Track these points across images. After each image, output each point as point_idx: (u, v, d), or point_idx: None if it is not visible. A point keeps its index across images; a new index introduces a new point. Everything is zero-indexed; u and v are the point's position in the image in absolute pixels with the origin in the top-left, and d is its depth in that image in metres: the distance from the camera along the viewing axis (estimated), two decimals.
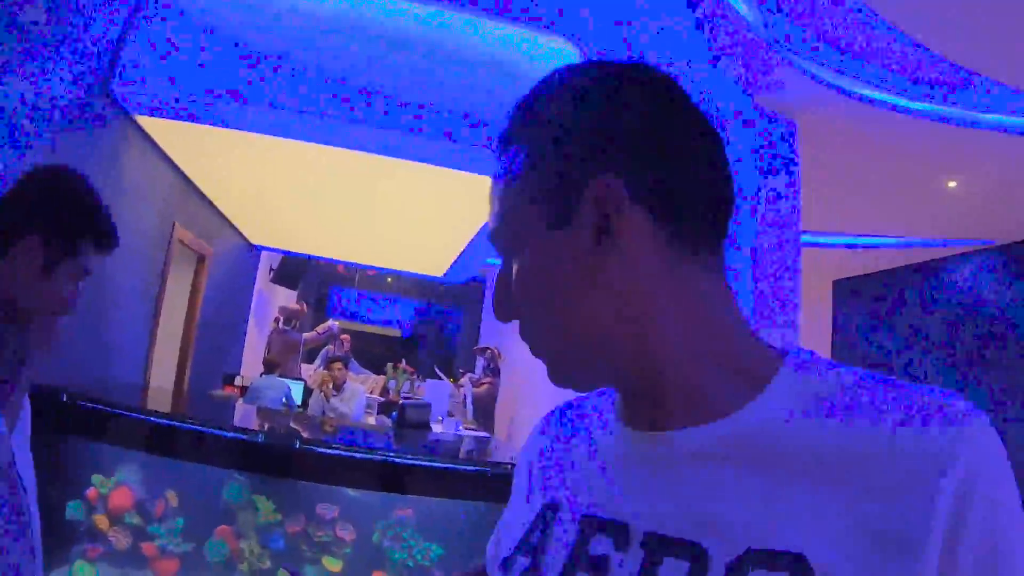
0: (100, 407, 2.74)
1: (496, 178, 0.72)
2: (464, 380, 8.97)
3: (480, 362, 9.95)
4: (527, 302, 0.68)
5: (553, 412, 0.85)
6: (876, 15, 3.51)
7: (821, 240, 7.04)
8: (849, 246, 7.29)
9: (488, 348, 9.22)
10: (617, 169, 0.63)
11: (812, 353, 0.66)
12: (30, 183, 1.35)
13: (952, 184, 5.32)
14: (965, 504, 0.52)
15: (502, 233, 0.71)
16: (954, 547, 0.52)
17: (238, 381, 6.95)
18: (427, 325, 15.85)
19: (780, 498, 0.56)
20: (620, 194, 0.62)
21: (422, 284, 14.06)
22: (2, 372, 1.22)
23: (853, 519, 0.53)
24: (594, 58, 0.72)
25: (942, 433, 0.54)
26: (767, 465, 0.58)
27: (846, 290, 8.72)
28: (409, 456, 3.02)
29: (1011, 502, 0.54)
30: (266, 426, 3.61)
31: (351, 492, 2.96)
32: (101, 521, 2.70)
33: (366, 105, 3.74)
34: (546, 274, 0.66)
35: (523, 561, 0.69)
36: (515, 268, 0.69)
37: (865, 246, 7.26)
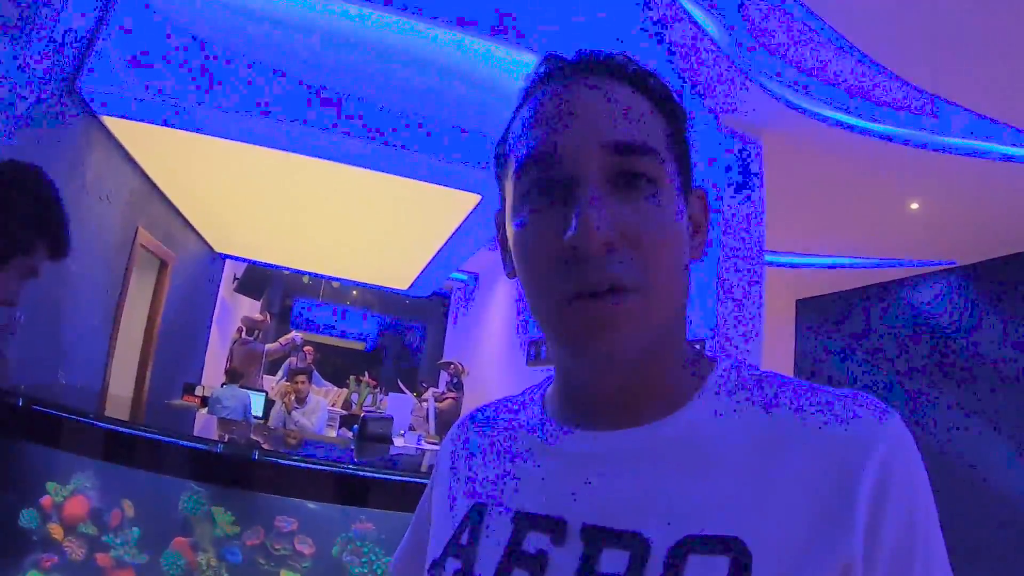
0: (57, 412, 2.67)
1: (643, 100, 0.67)
2: (427, 394, 8.92)
3: (443, 376, 9.91)
4: (659, 245, 0.63)
5: (470, 417, 0.85)
6: (843, 38, 3.57)
7: (785, 259, 7.13)
8: (813, 266, 7.38)
9: (452, 363, 9.19)
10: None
11: (739, 359, 0.71)
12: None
13: (914, 206, 5.41)
14: (886, 485, 0.57)
15: (646, 158, 0.64)
16: (877, 522, 0.56)
17: (198, 391, 6.84)
18: (390, 338, 15.78)
19: (717, 489, 0.59)
20: (709, 209, 0.74)
21: (386, 297, 14.02)
22: None
23: (785, 503, 0.57)
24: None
25: (863, 425, 0.59)
26: (704, 460, 0.61)
27: (809, 309, 8.82)
28: (370, 469, 2.98)
29: (923, 485, 0.60)
30: (226, 437, 3.55)
31: (311, 505, 2.90)
32: (55, 530, 2.62)
33: (336, 113, 3.72)
34: (676, 228, 0.65)
35: (453, 563, 0.69)
36: (652, 203, 0.63)
37: (829, 266, 7.35)
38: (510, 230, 0.69)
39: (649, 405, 0.67)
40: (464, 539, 0.70)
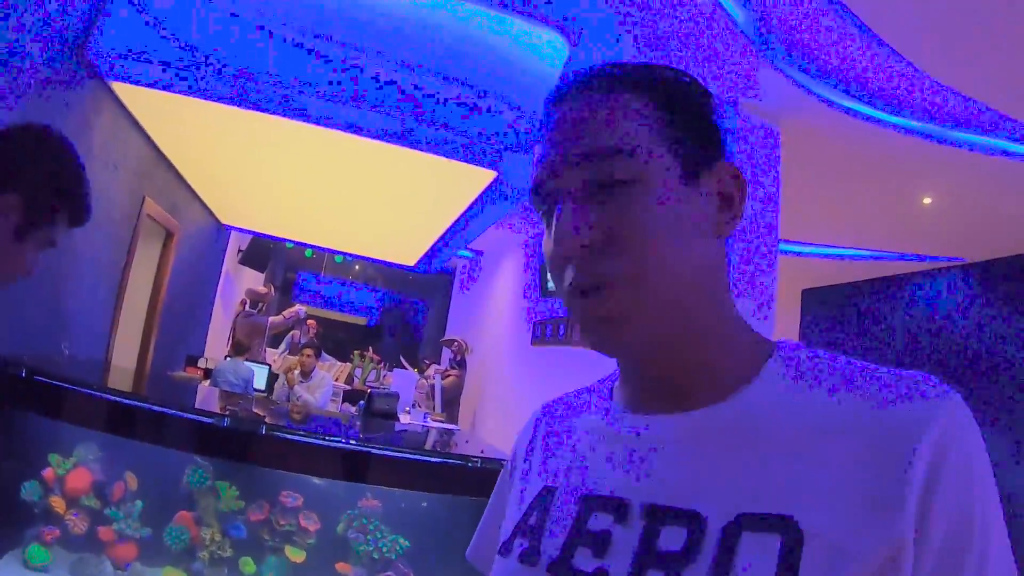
0: (59, 383, 2.63)
1: (621, 104, 0.70)
2: (431, 371, 8.92)
3: (446, 353, 9.91)
4: (639, 240, 0.66)
5: (547, 405, 0.90)
6: (865, 27, 3.51)
7: (793, 248, 7.09)
8: (821, 255, 7.34)
9: (455, 340, 9.19)
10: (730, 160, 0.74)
11: (799, 344, 0.72)
12: (18, 140, 1.29)
13: (927, 200, 5.37)
14: (939, 467, 0.57)
15: (618, 162, 0.68)
16: (928, 506, 0.56)
17: (201, 363, 6.84)
18: (393, 314, 15.80)
19: (771, 469, 0.61)
20: (744, 182, 0.74)
21: (389, 273, 14.04)
22: None
23: (838, 484, 0.58)
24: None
25: (919, 405, 0.60)
26: (759, 441, 0.64)
27: (815, 299, 8.80)
28: (377, 446, 2.96)
29: (982, 468, 0.60)
30: (230, 410, 3.53)
31: (316, 481, 2.89)
32: (57, 503, 2.60)
33: (349, 83, 3.66)
34: (663, 218, 0.67)
35: (521, 543, 0.73)
36: (629, 202, 0.67)
37: (837, 256, 7.31)
38: None
39: (704, 388, 0.69)
40: (532, 520, 0.74)
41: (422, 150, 4.07)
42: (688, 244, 0.68)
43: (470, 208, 5.31)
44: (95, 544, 2.62)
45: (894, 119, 4.08)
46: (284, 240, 9.28)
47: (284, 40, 3.60)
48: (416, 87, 3.70)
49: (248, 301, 8.93)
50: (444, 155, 4.09)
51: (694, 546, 0.60)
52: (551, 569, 0.68)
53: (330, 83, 3.64)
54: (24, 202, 1.22)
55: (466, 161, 4.16)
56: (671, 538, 0.62)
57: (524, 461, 0.85)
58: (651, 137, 0.68)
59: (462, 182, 4.69)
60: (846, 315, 8.22)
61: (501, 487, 0.90)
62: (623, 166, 0.67)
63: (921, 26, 3.39)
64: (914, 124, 4.10)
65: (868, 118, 4.11)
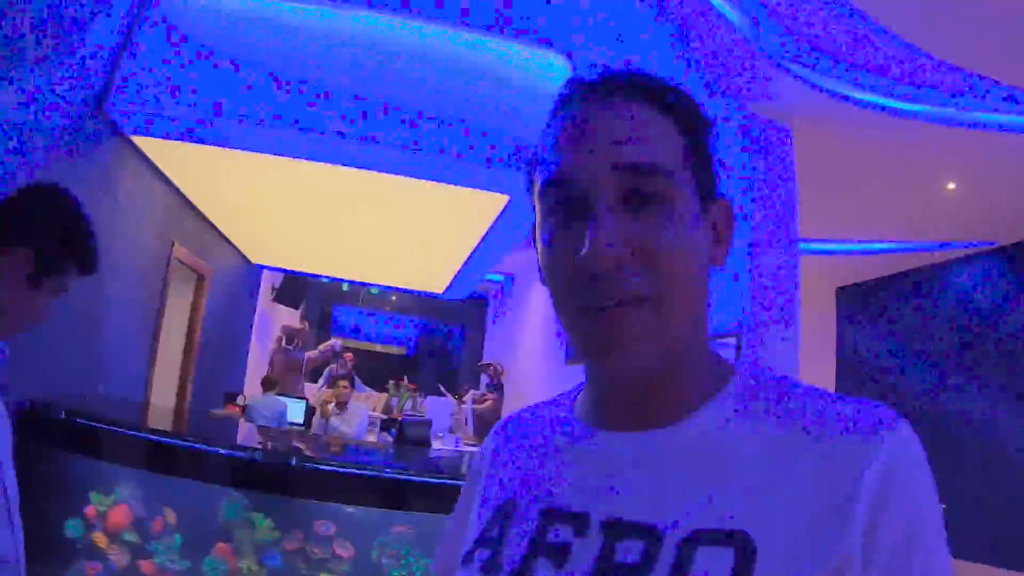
0: (99, 424, 2.74)
1: (659, 117, 0.69)
2: (467, 397, 8.96)
3: (483, 379, 9.95)
4: (669, 261, 0.65)
5: (505, 421, 0.92)
6: (867, 18, 3.51)
7: (823, 247, 7.03)
8: (851, 252, 7.27)
9: (491, 364, 9.23)
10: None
11: (758, 365, 0.76)
12: (27, 197, 1.41)
13: (951, 186, 5.31)
14: (887, 490, 0.59)
15: (659, 179, 0.66)
16: (876, 525, 0.59)
17: (240, 400, 6.95)
18: (430, 342, 15.87)
19: (727, 487, 0.64)
20: (733, 216, 0.76)
21: (425, 302, 14.10)
22: None
23: (791, 501, 0.61)
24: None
25: (869, 430, 0.62)
26: (717, 461, 0.66)
27: (850, 296, 8.70)
28: (407, 472, 3.01)
29: (928, 495, 0.63)
30: (269, 444, 3.61)
31: (349, 509, 2.94)
32: (100, 539, 2.69)
33: (364, 121, 3.74)
34: (689, 242, 0.68)
35: (483, 553, 0.74)
36: (664, 221, 0.66)
37: (867, 252, 7.24)
38: (538, 244, 0.74)
39: (669, 408, 0.71)
40: (494, 532, 0.75)
41: (436, 180, 4.14)
42: (700, 270, 0.69)
43: (488, 233, 5.36)
44: None
45: (905, 106, 4.05)
46: (316, 276, 9.39)
47: (295, 83, 3.70)
48: (426, 118, 3.77)
49: (284, 337, 9.06)
50: (457, 184, 4.16)
51: (650, 559, 0.62)
52: None
53: (342, 121, 3.72)
54: (35, 254, 1.32)
55: (479, 188, 4.22)
56: (628, 551, 0.64)
57: (487, 472, 0.86)
58: (683, 160, 0.68)
59: (479, 209, 4.75)
60: (882, 310, 8.10)
61: (464, 499, 0.90)
62: (663, 183, 0.66)
63: (924, 7, 3.38)
64: (926, 109, 4.06)
65: (879, 107, 4.09)
